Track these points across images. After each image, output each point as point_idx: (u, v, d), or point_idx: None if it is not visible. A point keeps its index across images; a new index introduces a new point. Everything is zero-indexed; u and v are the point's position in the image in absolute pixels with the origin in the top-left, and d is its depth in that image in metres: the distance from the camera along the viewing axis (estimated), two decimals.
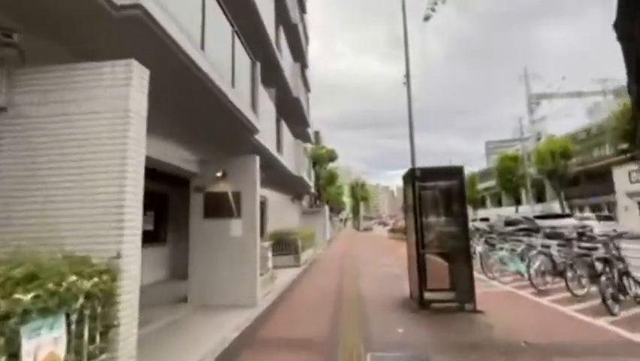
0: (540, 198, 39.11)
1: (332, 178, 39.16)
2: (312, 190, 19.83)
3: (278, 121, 10.12)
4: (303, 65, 16.66)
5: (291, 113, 14.06)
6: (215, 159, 6.67)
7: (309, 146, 24.61)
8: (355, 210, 67.01)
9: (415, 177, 6.04)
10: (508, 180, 39.64)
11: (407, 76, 11.32)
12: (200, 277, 6.37)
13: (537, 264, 6.92)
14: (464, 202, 5.99)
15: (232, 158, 6.66)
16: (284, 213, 16.07)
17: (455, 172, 6.04)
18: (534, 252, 7.33)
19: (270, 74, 10.20)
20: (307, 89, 18.87)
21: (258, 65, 6.85)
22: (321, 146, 40.45)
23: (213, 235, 6.39)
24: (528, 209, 34.88)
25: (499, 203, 52.88)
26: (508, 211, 37.81)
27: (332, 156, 35.06)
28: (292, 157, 12.66)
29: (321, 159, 33.24)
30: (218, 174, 6.33)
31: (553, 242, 7.78)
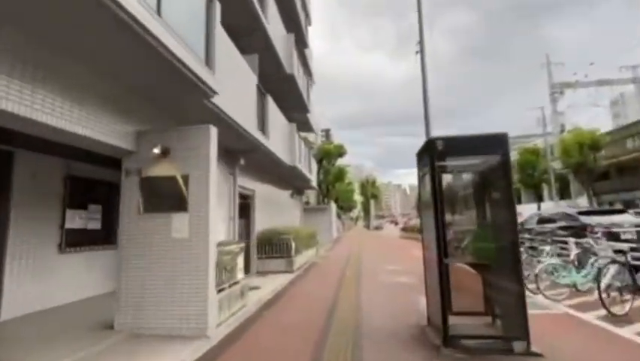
0: (563, 194, 36.24)
1: (341, 174, 37.30)
2: (314, 185, 17.86)
3: (262, 95, 8.30)
4: (301, 42, 14.73)
5: (286, 93, 12.18)
6: (157, 133, 4.85)
7: (312, 137, 22.82)
8: (366, 209, 64.74)
9: (435, 152, 4.08)
10: (529, 175, 36.89)
11: (420, 42, 9.33)
12: (132, 295, 4.57)
13: (609, 276, 4.89)
14: (510, 187, 3.99)
15: (181, 130, 4.83)
16: (280, 210, 14.22)
17: (495, 143, 3.98)
18: (604, 260, 5.28)
19: (252, 38, 8.38)
20: (309, 73, 16.93)
21: (217, 4, 5.01)
22: (329, 141, 38.65)
23: (151, 237, 4.58)
24: (551, 205, 32.18)
25: (517, 200, 49.99)
26: (528, 208, 35.14)
27: (341, 152, 33.57)
28: (286, 144, 10.82)
29: (329, 155, 31.78)
30: (156, 151, 4.52)
31: (625, 245, 5.72)
